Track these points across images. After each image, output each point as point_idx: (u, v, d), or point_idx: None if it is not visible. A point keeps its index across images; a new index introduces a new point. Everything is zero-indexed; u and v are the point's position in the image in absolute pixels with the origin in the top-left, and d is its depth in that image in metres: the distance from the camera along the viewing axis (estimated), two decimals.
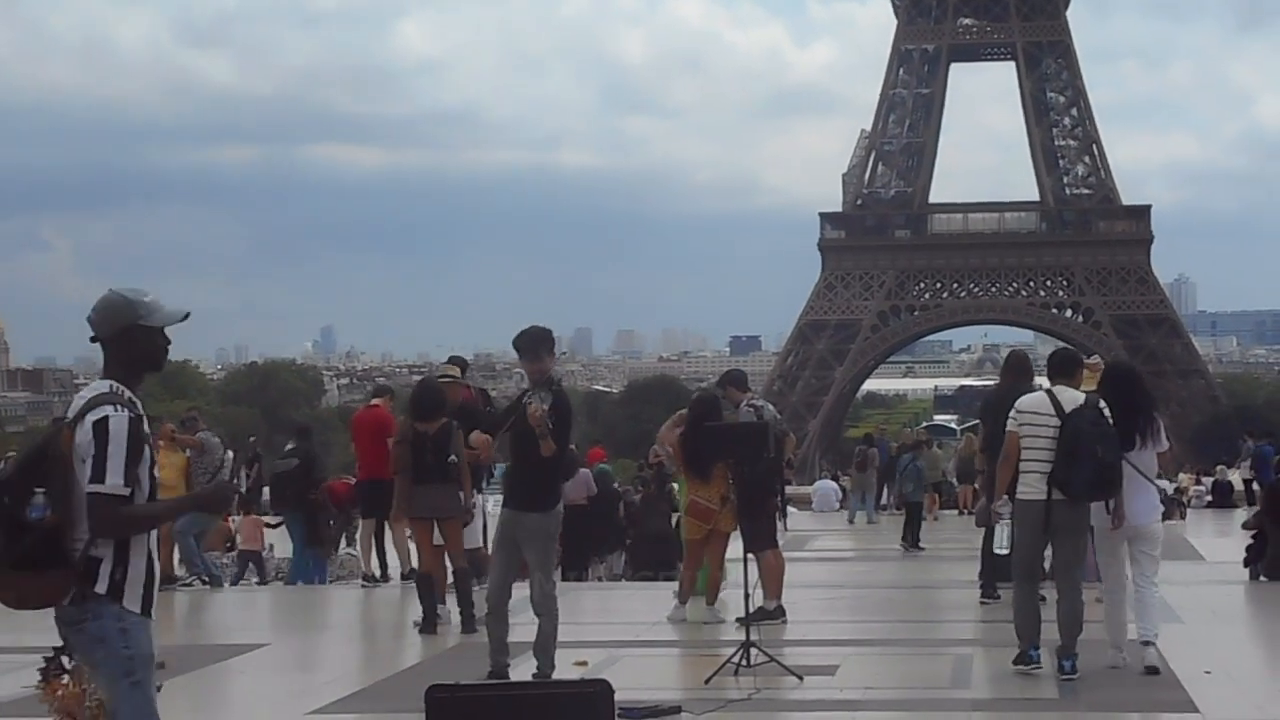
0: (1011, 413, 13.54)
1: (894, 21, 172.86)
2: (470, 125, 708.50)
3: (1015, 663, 13.25)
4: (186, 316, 7.24)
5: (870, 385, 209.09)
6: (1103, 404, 13.24)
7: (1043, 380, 19.22)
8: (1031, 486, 13.06)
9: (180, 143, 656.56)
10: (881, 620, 17.67)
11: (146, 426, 7.13)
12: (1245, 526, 22.11)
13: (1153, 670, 12.91)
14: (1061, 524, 12.99)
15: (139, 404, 7.10)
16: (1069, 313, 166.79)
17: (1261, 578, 20.99)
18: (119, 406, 6.95)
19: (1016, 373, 17.76)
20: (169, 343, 7.26)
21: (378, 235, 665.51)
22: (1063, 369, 13.72)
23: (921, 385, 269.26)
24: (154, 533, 7.22)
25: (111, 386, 7.04)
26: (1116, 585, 13.45)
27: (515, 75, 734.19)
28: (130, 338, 7.13)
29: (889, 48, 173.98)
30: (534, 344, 12.80)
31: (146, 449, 7.07)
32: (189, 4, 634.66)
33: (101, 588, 7.00)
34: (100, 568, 7.03)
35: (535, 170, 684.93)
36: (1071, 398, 13.22)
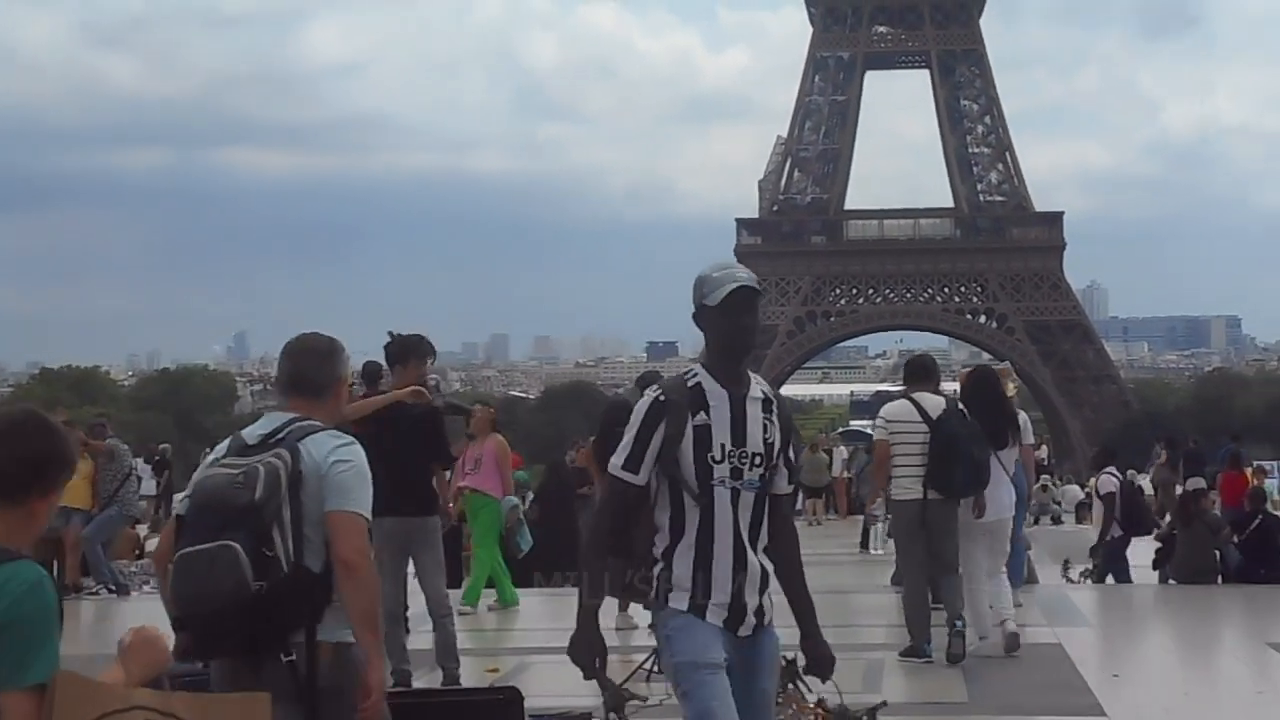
0: (879, 422, 14.26)
1: (808, 29, 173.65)
2: (382, 129, 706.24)
3: (904, 654, 13.93)
4: (743, 290, 6.27)
5: (787, 390, 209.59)
6: (961, 407, 14.07)
7: (953, 385, 19.42)
8: (906, 489, 13.80)
9: (89, 145, 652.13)
10: (792, 625, 17.66)
11: (707, 416, 6.29)
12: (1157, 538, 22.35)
13: (1014, 639, 13.77)
14: (936, 521, 13.72)
15: (715, 392, 6.32)
16: (983, 318, 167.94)
17: (1170, 580, 21.18)
18: (656, 388, 6.40)
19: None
20: (746, 322, 6.32)
21: (290, 240, 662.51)
22: (924, 375, 14.38)
23: (838, 390, 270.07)
24: (718, 522, 6.35)
25: (685, 371, 6.45)
26: (979, 574, 14.17)
27: (427, 79, 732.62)
28: (702, 319, 6.38)
29: (802, 54, 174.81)
30: (404, 352, 13.06)
31: (688, 438, 6.27)
32: (95, 6, 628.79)
33: (654, 588, 6.49)
34: (655, 566, 6.48)
35: (449, 175, 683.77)
36: (934, 403, 13.91)
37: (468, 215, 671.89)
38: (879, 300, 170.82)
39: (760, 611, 6.56)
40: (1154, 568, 21.59)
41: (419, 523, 12.57)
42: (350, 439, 6.22)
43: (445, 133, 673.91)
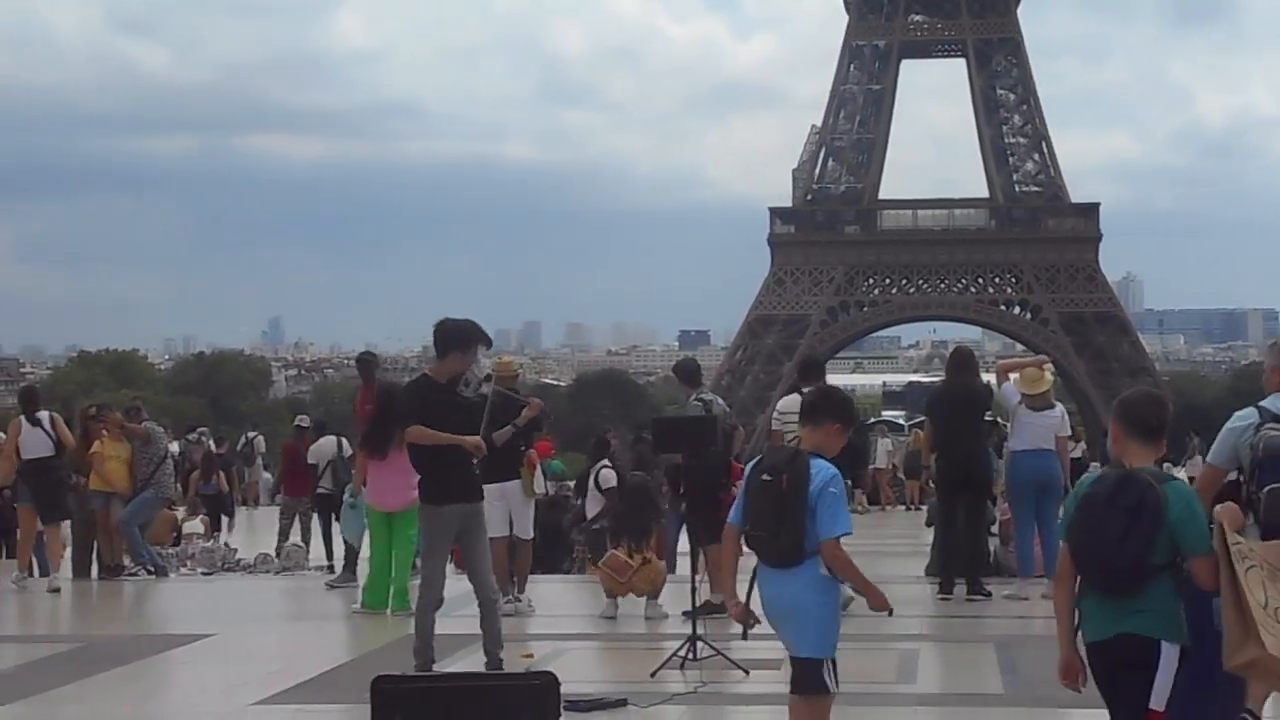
0: (774, 414, 16.34)
1: (834, 16, 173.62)
2: (410, 116, 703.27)
3: None
4: None
5: None
6: None
7: (989, 377, 19.45)
8: None
9: (117, 132, 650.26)
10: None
11: None
12: None
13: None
14: None
15: None
16: (1017, 310, 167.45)
17: None
18: None
19: (961, 369, 17.95)
20: None
21: (322, 226, 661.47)
22: (814, 373, 16.57)
23: (870, 381, 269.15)
24: None
25: None
26: None
27: (453, 67, 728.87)
28: None
29: (829, 42, 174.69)
30: (444, 343, 12.83)
31: None
32: None
33: None
34: None
35: (477, 162, 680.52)
36: None
37: (497, 202, 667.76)
38: (912, 291, 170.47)
39: None
40: None
41: (474, 509, 12.60)
42: None
43: (472, 121, 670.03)
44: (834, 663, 8.68)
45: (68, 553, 21.85)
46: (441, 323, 12.81)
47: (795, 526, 8.33)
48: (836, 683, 8.70)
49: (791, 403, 16.04)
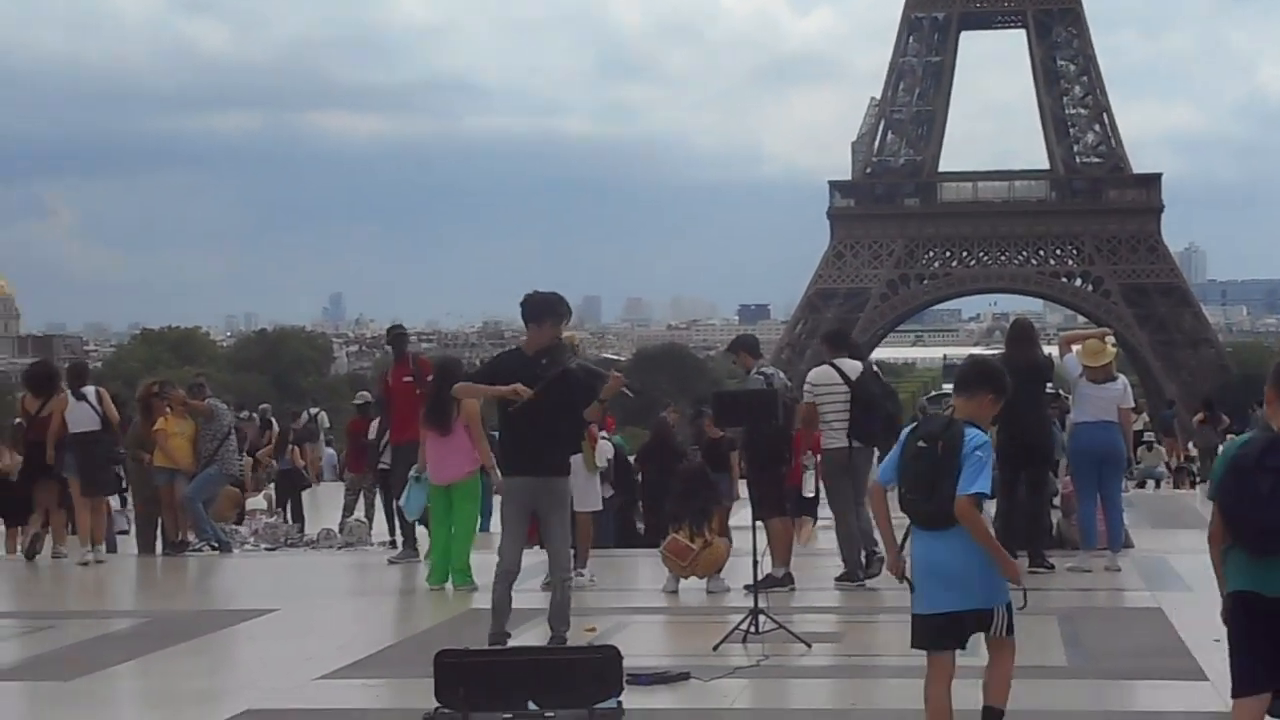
0: (806, 386, 16.81)
1: None
2: (470, 92, 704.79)
3: (839, 579, 16.52)
4: None
5: (879, 354, 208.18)
6: (876, 368, 16.92)
7: (1051, 349, 19.34)
8: (833, 439, 16.47)
9: (180, 109, 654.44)
10: (889, 588, 17.64)
11: None
12: None
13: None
14: (858, 465, 16.43)
15: None
16: (1078, 281, 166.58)
17: None
18: None
19: (1021, 341, 17.86)
20: None
21: (382, 202, 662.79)
22: (842, 344, 17.18)
23: (930, 354, 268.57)
24: None
25: None
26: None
27: (513, 42, 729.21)
28: None
29: (888, 15, 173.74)
30: (539, 311, 12.59)
31: None
32: None
33: None
34: None
35: (537, 137, 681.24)
36: (852, 367, 16.53)
37: (557, 177, 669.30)
38: (973, 263, 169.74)
39: None
40: None
41: (545, 483, 12.39)
42: None
43: (532, 96, 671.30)
44: (1009, 608, 8.98)
45: (132, 530, 21.98)
46: (530, 295, 12.68)
47: (950, 491, 8.67)
48: (1010, 627, 9.03)
49: (822, 374, 16.61)
